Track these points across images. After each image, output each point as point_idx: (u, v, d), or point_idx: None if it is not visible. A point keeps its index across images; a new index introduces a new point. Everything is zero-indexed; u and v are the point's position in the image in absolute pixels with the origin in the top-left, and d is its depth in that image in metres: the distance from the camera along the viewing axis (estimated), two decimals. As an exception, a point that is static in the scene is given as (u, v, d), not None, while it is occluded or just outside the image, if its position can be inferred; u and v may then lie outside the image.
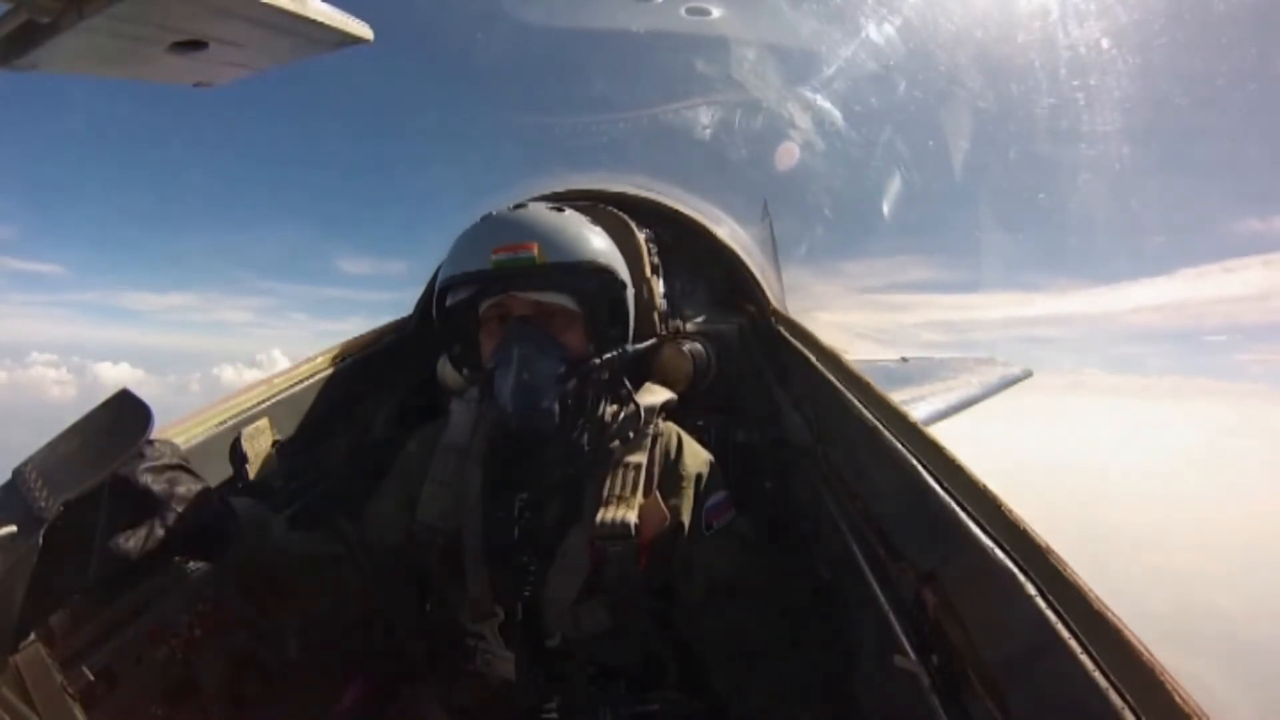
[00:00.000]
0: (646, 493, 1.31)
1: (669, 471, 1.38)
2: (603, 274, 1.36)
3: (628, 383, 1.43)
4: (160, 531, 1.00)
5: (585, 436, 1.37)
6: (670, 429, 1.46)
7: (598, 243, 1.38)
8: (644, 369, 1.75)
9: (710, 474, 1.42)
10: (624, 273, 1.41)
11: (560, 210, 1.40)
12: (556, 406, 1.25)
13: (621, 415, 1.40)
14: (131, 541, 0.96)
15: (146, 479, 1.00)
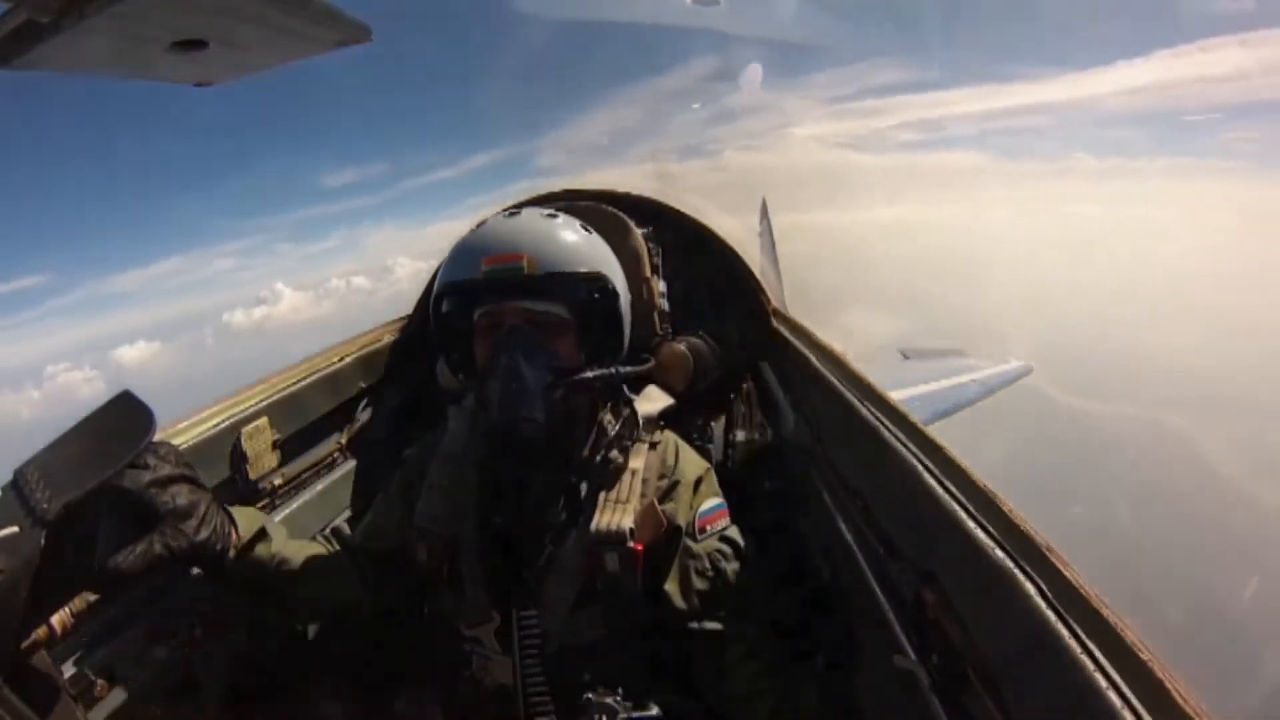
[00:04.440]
0: (643, 499, 1.31)
1: (666, 478, 1.38)
2: (594, 282, 1.34)
3: (626, 389, 1.42)
4: (159, 548, 1.00)
5: (582, 443, 1.37)
6: (668, 436, 1.46)
7: (590, 250, 1.36)
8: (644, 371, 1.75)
9: (707, 481, 1.42)
10: (617, 280, 1.39)
11: (554, 216, 1.38)
12: (544, 416, 1.25)
13: (620, 422, 1.40)
14: (131, 559, 0.97)
15: (149, 494, 1.00)
